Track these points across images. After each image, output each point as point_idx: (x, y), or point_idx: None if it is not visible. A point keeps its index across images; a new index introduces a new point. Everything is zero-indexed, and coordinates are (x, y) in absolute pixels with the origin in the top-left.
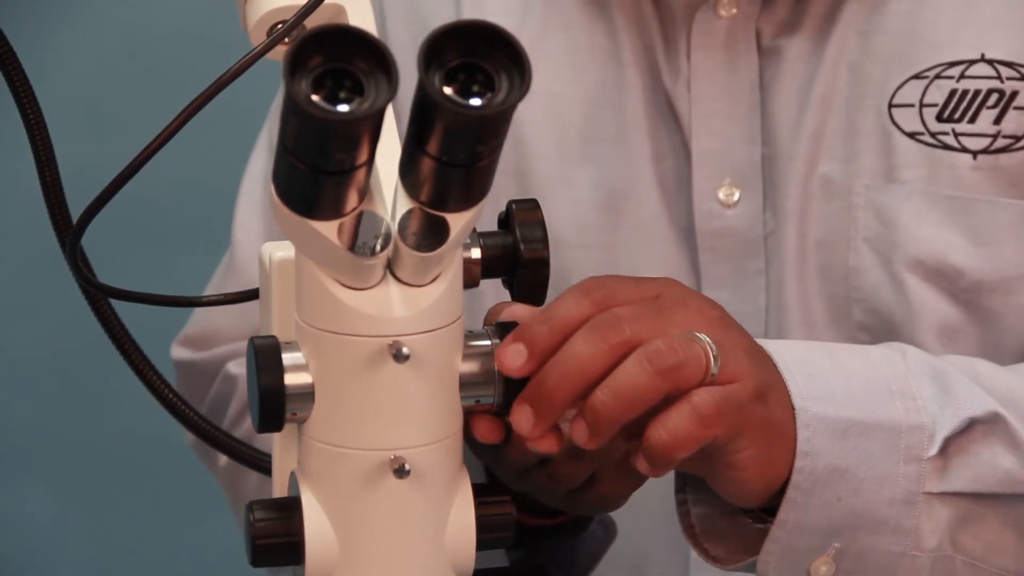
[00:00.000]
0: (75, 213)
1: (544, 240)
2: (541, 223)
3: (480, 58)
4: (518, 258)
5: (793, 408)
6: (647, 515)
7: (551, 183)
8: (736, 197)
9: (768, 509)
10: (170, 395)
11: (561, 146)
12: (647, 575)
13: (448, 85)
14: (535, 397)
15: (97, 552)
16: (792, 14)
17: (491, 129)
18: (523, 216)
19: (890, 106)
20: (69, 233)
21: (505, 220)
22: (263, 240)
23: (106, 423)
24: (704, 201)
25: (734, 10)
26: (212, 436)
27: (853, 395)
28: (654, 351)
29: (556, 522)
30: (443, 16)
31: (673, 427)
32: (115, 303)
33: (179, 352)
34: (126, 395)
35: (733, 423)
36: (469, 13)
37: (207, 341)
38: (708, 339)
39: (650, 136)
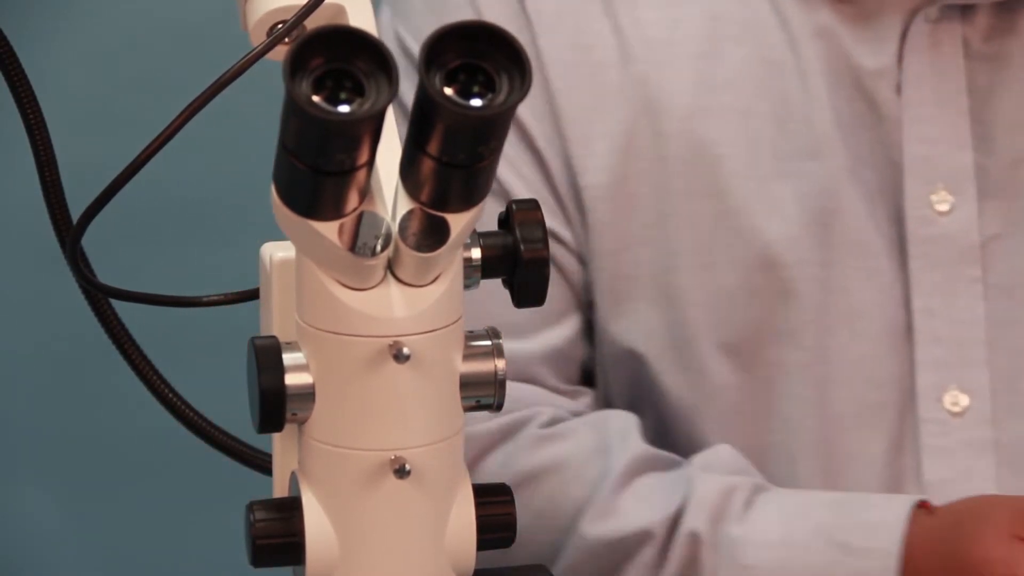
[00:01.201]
0: (75, 213)
1: (544, 240)
2: (541, 223)
3: (481, 59)
4: (518, 258)
5: None
6: None
7: (751, 202)
8: (950, 204)
9: None
10: (170, 395)
11: (755, 164)
12: None
13: (448, 86)
14: None
15: (98, 551)
16: (997, 19)
17: (492, 130)
18: (523, 216)
19: None
20: (69, 233)
21: (505, 220)
22: None
23: (106, 423)
24: (917, 208)
25: (936, 14)
26: (211, 436)
27: None
28: None
29: None
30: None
31: None
32: (115, 303)
33: None
34: (126, 395)
35: None
36: (627, 24)
37: None
38: None
39: (844, 145)
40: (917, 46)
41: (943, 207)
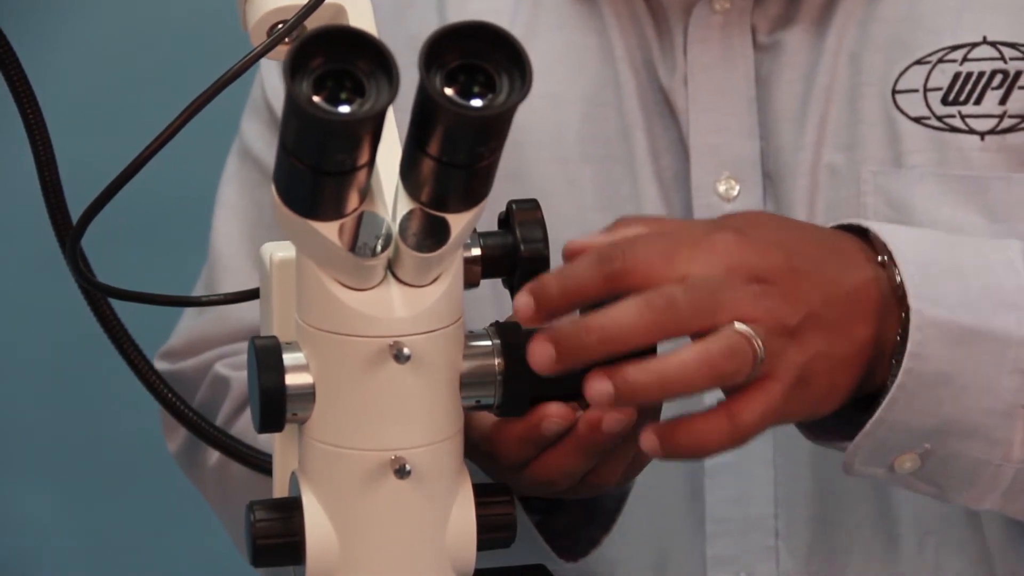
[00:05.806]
0: (75, 213)
1: (544, 240)
2: (541, 223)
3: (481, 59)
4: (518, 258)
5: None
6: (666, 514)
7: (552, 185)
8: (736, 191)
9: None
10: (169, 395)
11: (560, 147)
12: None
13: (449, 86)
14: (565, 346)
15: (97, 552)
16: (786, 9)
17: (492, 130)
18: (523, 216)
19: (894, 92)
20: (69, 233)
21: (505, 220)
22: (244, 250)
23: (106, 423)
24: (703, 195)
25: (727, 4)
26: (211, 436)
27: (968, 300)
28: (705, 354)
29: None
30: (429, 23)
31: (703, 438)
32: (115, 303)
33: (159, 364)
34: (125, 395)
35: (777, 417)
36: (454, 17)
37: (190, 349)
38: (752, 332)
39: (647, 133)
40: (702, 37)
41: (728, 195)
